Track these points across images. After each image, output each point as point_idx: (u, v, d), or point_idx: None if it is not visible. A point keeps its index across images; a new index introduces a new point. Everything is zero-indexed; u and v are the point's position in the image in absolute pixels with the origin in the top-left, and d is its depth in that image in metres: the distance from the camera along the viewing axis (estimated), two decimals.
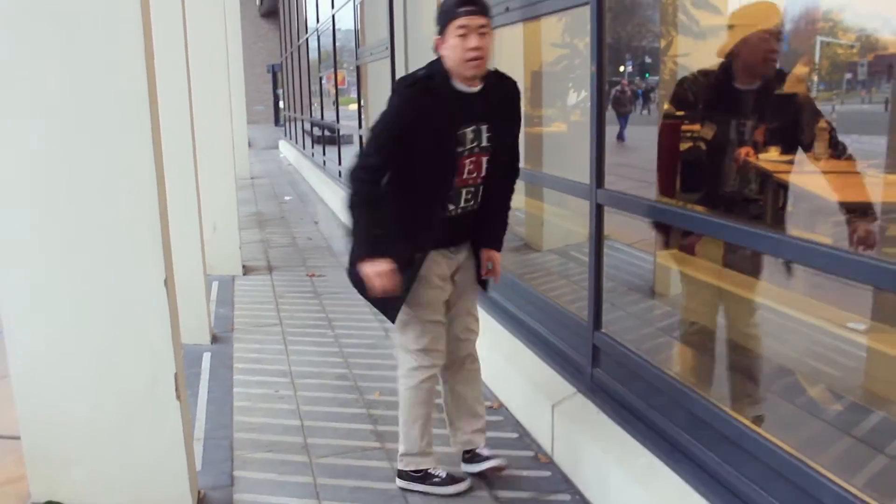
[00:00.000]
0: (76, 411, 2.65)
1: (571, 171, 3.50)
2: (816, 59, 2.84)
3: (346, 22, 10.45)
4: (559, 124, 5.38)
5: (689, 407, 2.55)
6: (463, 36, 2.52)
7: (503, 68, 5.53)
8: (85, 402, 2.64)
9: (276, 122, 30.28)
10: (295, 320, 5.16)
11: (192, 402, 3.67)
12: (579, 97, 4.95)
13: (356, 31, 9.18)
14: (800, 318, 3.19)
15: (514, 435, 3.36)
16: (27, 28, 2.39)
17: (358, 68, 10.10)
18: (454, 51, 2.54)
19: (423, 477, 2.91)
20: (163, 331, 2.61)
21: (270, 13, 29.42)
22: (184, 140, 4.45)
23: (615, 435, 2.84)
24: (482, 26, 2.53)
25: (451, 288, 2.84)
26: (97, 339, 2.59)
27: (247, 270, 6.65)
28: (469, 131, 2.62)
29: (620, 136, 4.50)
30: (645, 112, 4.49)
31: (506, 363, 3.68)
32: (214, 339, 4.78)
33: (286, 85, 23.85)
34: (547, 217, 5.56)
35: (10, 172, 2.47)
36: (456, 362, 2.93)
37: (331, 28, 11.57)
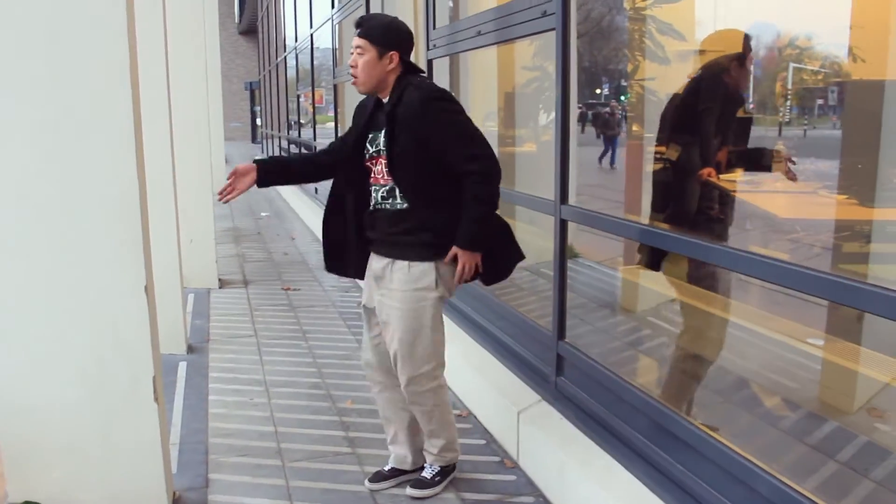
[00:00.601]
0: (56, 412, 2.73)
1: (544, 188, 3.63)
2: (790, 84, 3.00)
3: (324, 41, 10.59)
4: (531, 144, 5.53)
5: (647, 412, 2.68)
6: (352, 54, 2.79)
7: (478, 89, 5.72)
8: (65, 403, 2.72)
9: (254, 139, 30.35)
10: (270, 332, 5.25)
11: (168, 409, 3.74)
12: (549, 118, 5.12)
13: (334, 51, 9.35)
14: (758, 331, 3.33)
15: (482, 441, 3.48)
16: (15, 44, 2.50)
17: (335, 87, 10.24)
18: None
19: None
20: (142, 335, 2.70)
21: (249, 31, 29.57)
22: (163, 155, 4.56)
23: (576, 439, 2.97)
24: (358, 46, 2.76)
25: (376, 296, 2.90)
26: (78, 343, 2.67)
27: (223, 284, 6.73)
28: (375, 135, 2.83)
29: (612, 161, 4.56)
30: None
31: (475, 373, 3.80)
32: (190, 349, 4.86)
33: (264, 102, 23.94)
34: (520, 235, 5.69)
35: (5, 191, 2.57)
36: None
37: (309, 47, 11.71)
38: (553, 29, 3.07)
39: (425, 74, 2.88)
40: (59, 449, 2.76)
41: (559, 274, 3.19)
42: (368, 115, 2.87)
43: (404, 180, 2.76)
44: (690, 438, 2.47)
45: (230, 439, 3.51)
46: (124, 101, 2.55)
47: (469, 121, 2.82)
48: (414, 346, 2.82)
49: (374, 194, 2.86)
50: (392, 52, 2.73)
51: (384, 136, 2.78)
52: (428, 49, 4.78)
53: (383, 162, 2.79)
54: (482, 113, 6.13)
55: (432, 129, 2.71)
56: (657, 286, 4.39)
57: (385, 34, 2.75)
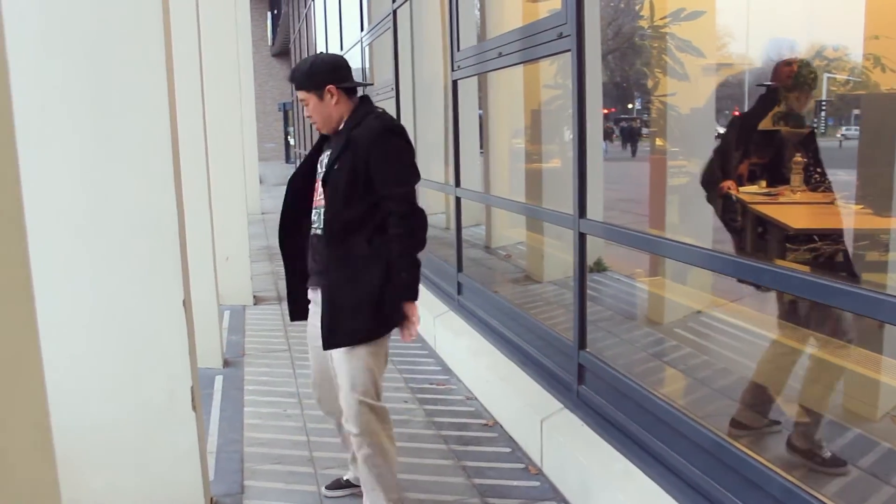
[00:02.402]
0: (100, 421, 2.88)
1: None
2: (824, 94, 3.08)
3: (354, 62, 10.80)
4: (556, 160, 5.64)
5: (665, 419, 2.76)
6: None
7: (504, 107, 5.82)
8: (108, 412, 2.87)
9: (287, 159, 30.73)
10: (303, 346, 5.33)
11: (205, 420, 3.89)
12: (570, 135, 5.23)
13: (363, 72, 9.54)
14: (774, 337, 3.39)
15: (507, 449, 3.58)
16: (62, 77, 2.68)
17: None
18: None
19: None
20: (181, 347, 2.85)
21: (282, 53, 30.04)
22: (199, 177, 4.73)
23: (597, 445, 3.06)
24: (301, 99, 2.87)
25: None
26: (121, 354, 2.83)
27: (257, 300, 6.91)
28: (323, 159, 2.89)
29: None
30: None
31: (501, 383, 3.91)
32: (226, 363, 5.02)
33: (297, 123, 24.29)
34: (548, 250, 5.81)
35: (52, 208, 2.74)
36: None
37: None
38: (568, 50, 3.18)
39: (381, 110, 2.90)
40: (102, 456, 2.90)
41: (579, 286, 3.28)
42: (326, 142, 2.95)
43: (331, 208, 2.74)
44: (708, 444, 2.55)
45: (265, 448, 3.64)
46: (163, 124, 2.71)
47: (410, 161, 2.82)
48: None
49: (314, 217, 2.89)
50: (328, 87, 2.79)
51: (327, 163, 2.81)
52: (452, 70, 4.92)
53: (318, 185, 2.83)
54: (508, 130, 6.26)
55: (376, 155, 2.71)
56: (682, 299, 4.48)
57: (311, 78, 2.81)
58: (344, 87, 2.82)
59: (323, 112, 2.82)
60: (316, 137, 3.08)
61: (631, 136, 4.95)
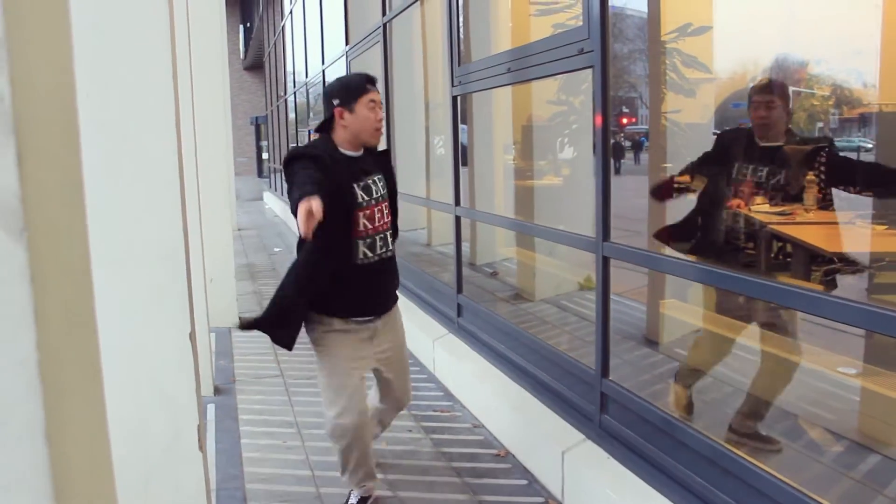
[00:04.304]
0: (98, 466, 2.69)
1: (577, 222, 3.60)
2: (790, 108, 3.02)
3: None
4: (548, 177, 5.52)
5: (699, 449, 2.63)
6: (373, 109, 2.88)
7: (499, 124, 5.70)
8: (112, 454, 2.68)
9: (260, 173, 30.46)
10: (296, 371, 5.20)
11: None
12: (574, 153, 5.11)
13: None
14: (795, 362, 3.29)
15: (524, 482, 3.43)
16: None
17: None
18: (365, 121, 2.86)
19: None
20: (187, 383, 2.67)
21: (254, 66, 29.81)
22: (191, 199, 4.54)
23: (625, 479, 2.91)
24: (379, 102, 2.94)
25: (380, 348, 3.23)
26: (127, 391, 2.64)
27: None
28: (371, 183, 2.93)
29: None
30: None
31: (511, 411, 3.76)
32: (217, 391, 4.82)
33: (271, 137, 24.05)
34: (540, 267, 5.68)
35: None
36: None
37: (321, 83, 11.76)
38: (591, 67, 3.05)
39: None
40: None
41: (602, 312, 3.15)
42: (353, 168, 2.90)
43: (394, 225, 3.08)
44: (748, 476, 2.43)
45: (268, 485, 3.46)
46: (170, 156, 2.53)
47: None
48: None
49: (372, 244, 2.95)
50: None
51: (380, 181, 2.98)
52: (453, 86, 4.78)
53: (384, 205, 2.99)
54: (500, 146, 6.13)
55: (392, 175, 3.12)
56: (683, 316, 4.36)
57: None
58: None
59: None
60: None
61: (615, 153, 4.81)
